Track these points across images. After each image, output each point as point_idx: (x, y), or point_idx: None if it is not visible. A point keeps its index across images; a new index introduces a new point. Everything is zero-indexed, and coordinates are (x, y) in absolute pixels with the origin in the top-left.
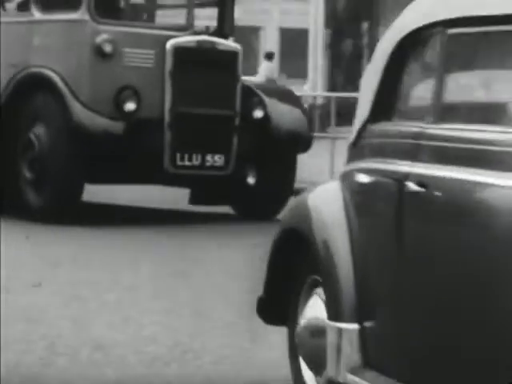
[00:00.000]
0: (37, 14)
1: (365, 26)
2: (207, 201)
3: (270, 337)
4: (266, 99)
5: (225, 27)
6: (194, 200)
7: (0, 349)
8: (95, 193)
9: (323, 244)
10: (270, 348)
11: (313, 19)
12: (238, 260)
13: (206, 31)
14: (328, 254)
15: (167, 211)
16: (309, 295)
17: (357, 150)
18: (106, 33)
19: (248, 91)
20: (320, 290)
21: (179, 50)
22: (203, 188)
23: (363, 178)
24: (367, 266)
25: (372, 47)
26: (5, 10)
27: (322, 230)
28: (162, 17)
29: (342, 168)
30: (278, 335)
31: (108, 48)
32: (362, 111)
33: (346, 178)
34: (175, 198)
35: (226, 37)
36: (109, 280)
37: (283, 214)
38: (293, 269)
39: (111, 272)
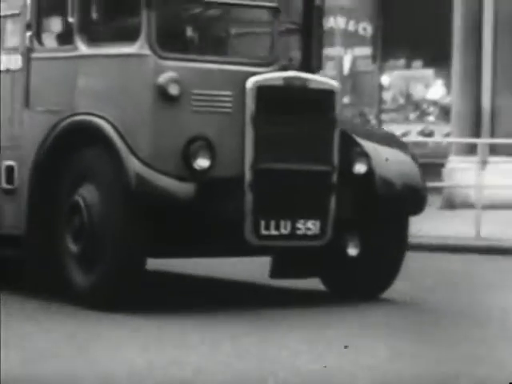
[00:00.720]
0: (83, 48)
1: None
2: (293, 273)
3: None
4: (369, 148)
5: (312, 59)
6: (276, 273)
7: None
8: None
9: None
10: None
11: None
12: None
13: (290, 65)
14: None
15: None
16: None
17: None
18: (171, 70)
19: (346, 139)
20: None
21: (263, 90)
22: (289, 259)
23: None
24: None
25: None
26: (41, 43)
27: None
28: (238, 48)
29: None
30: None
31: (174, 89)
32: None
33: None
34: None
35: (313, 71)
36: None
37: None
38: None
39: None
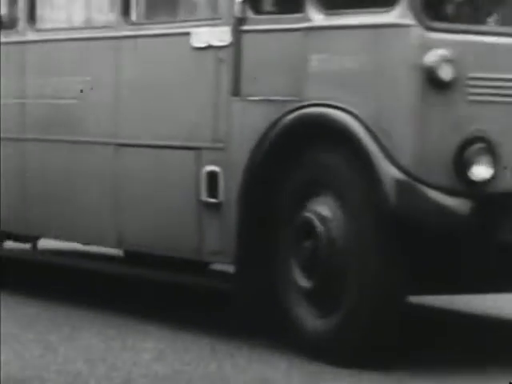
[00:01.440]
0: (317, 17)
1: None
2: None
3: None
4: None
5: None
6: None
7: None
8: None
9: None
10: None
11: None
12: None
13: None
14: None
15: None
16: None
17: None
18: (441, 46)
19: None
20: None
21: None
22: None
23: None
24: None
25: None
26: (258, 11)
27: None
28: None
29: None
30: None
31: (446, 73)
32: None
33: None
34: None
35: None
36: None
37: None
38: None
39: None
